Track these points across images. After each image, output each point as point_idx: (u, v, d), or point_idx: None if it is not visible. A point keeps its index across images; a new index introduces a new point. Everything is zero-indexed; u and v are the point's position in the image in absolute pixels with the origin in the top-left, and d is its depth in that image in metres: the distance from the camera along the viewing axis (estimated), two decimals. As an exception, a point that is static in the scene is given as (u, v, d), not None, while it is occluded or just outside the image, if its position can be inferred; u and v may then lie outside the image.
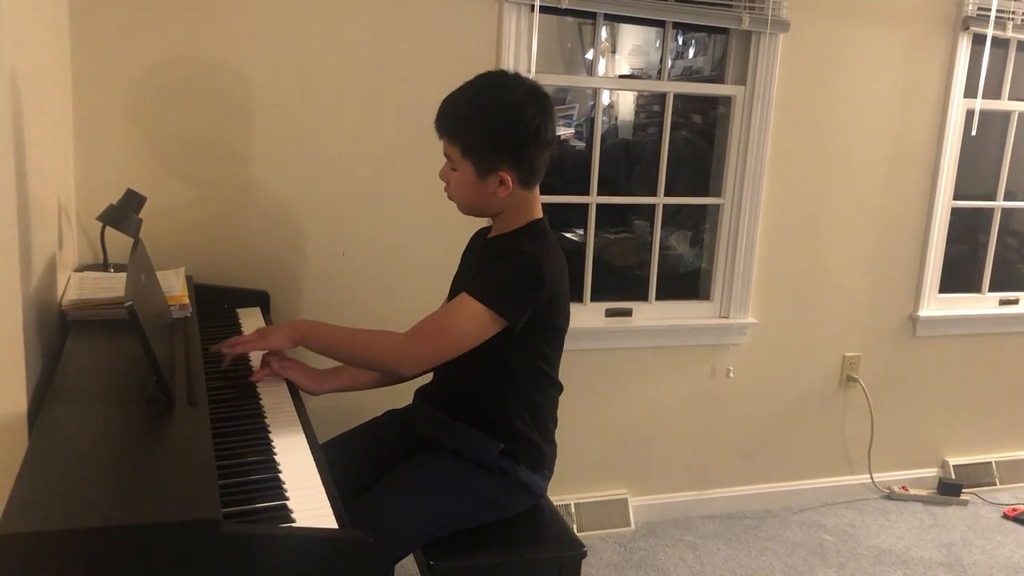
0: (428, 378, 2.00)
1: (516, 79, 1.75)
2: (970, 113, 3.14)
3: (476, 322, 1.67)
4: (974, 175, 3.32)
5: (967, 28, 3.05)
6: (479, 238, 1.95)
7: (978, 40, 3.09)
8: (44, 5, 1.83)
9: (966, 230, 3.43)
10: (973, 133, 3.13)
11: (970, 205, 3.35)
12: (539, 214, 1.81)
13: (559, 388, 1.88)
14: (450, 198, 1.81)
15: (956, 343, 3.40)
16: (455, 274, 1.99)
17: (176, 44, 2.28)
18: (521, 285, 1.68)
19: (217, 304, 2.27)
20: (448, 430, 1.80)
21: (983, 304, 3.45)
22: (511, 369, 1.75)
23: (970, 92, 3.14)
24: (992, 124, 3.31)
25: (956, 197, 3.25)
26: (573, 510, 2.95)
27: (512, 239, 1.77)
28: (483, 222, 1.94)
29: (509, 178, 1.70)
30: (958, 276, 3.40)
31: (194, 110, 2.33)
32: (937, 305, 3.34)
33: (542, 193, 1.84)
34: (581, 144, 2.95)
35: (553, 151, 1.78)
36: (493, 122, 1.68)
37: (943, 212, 3.23)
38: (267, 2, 2.33)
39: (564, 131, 3.02)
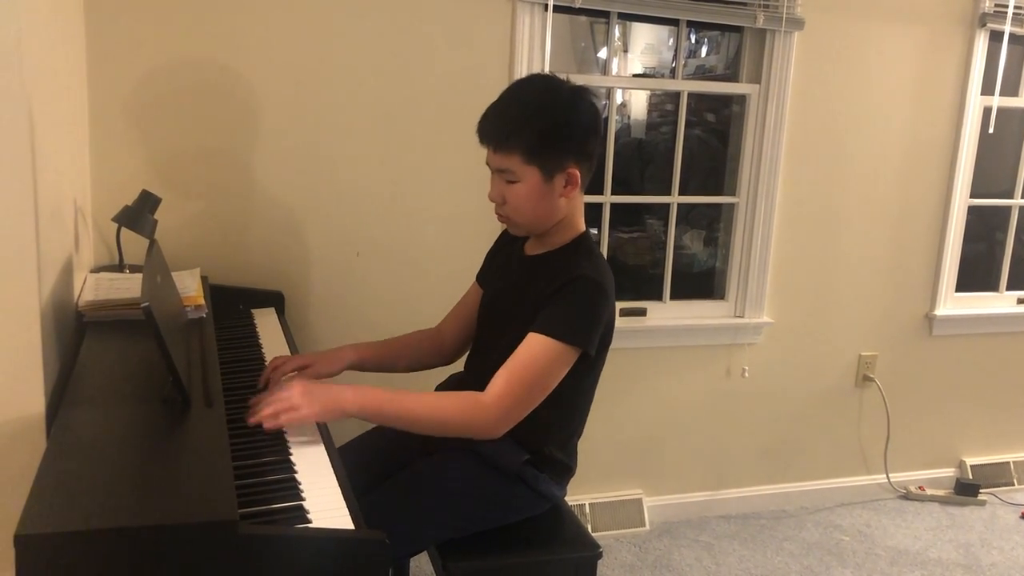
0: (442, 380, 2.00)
1: (556, 78, 1.71)
2: (987, 110, 3.12)
3: (560, 361, 1.62)
4: (991, 173, 3.29)
5: (984, 25, 3.03)
6: (515, 250, 1.86)
7: (995, 37, 3.07)
8: (60, 9, 1.84)
9: (983, 228, 3.40)
10: (990, 131, 3.10)
11: (987, 203, 3.32)
12: (583, 226, 1.76)
13: (592, 399, 1.84)
14: (503, 219, 1.74)
15: (973, 342, 3.37)
16: (484, 276, 1.96)
17: (190, 48, 2.28)
18: (592, 313, 1.64)
19: (232, 305, 2.28)
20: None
21: (1000, 303, 3.42)
22: (557, 390, 1.66)
23: (987, 89, 3.11)
24: (1009, 121, 3.29)
25: (973, 195, 3.23)
26: (587, 510, 2.94)
27: (565, 259, 1.71)
28: None
29: (577, 173, 1.67)
30: (975, 275, 3.38)
31: (209, 112, 2.33)
32: (954, 304, 3.31)
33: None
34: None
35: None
36: (553, 118, 1.64)
37: (960, 210, 3.21)
38: (281, 5, 2.34)
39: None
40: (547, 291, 1.65)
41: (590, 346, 1.64)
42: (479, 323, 1.90)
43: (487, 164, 1.70)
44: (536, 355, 1.61)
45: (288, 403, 1.52)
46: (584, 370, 1.71)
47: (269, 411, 1.51)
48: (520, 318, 1.67)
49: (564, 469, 1.82)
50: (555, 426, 1.76)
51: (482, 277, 1.98)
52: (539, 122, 1.63)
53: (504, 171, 1.67)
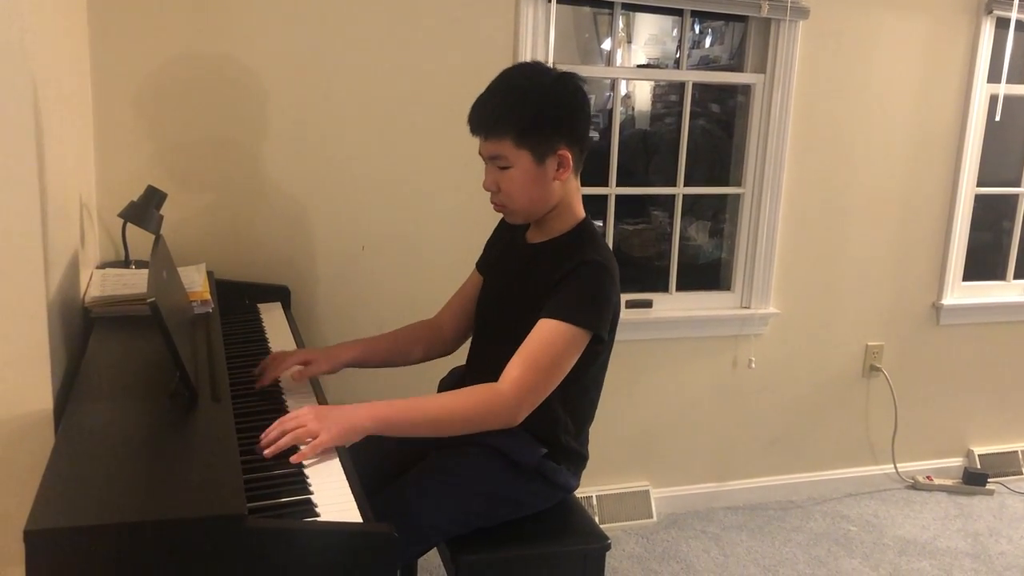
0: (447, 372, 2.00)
1: (543, 65, 1.74)
2: (994, 98, 3.10)
3: (573, 344, 1.63)
4: (998, 161, 3.28)
5: (990, 12, 3.01)
6: (516, 238, 1.86)
7: (1002, 24, 3.05)
8: (63, 4, 1.84)
9: (990, 217, 3.39)
10: (997, 118, 3.09)
11: (994, 191, 3.31)
12: (583, 212, 1.77)
13: (601, 386, 1.85)
14: (499, 207, 1.75)
15: (980, 331, 3.36)
16: (485, 265, 1.95)
17: (193, 42, 2.28)
18: (601, 296, 1.65)
19: (238, 299, 2.28)
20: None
21: (1007, 292, 3.41)
22: (566, 380, 1.66)
23: (994, 77, 3.09)
24: (1016, 109, 3.27)
25: (980, 184, 3.21)
26: (595, 502, 2.94)
27: (569, 246, 1.72)
28: None
29: (568, 156, 1.67)
30: (982, 263, 3.36)
31: (213, 107, 2.33)
32: (961, 293, 3.30)
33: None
34: (597, 135, 2.94)
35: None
36: (540, 101, 1.65)
37: (966, 199, 3.20)
38: (285, 0, 2.34)
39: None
40: (553, 278, 1.66)
41: (602, 329, 1.65)
42: (480, 312, 1.90)
43: (480, 154, 1.71)
44: (550, 340, 1.62)
45: (304, 431, 1.46)
46: (593, 356, 1.71)
47: (286, 440, 1.44)
48: (524, 306, 1.68)
49: (579, 458, 1.82)
50: (568, 416, 1.77)
51: (482, 265, 1.98)
52: (528, 105, 1.65)
53: (496, 157, 1.68)
